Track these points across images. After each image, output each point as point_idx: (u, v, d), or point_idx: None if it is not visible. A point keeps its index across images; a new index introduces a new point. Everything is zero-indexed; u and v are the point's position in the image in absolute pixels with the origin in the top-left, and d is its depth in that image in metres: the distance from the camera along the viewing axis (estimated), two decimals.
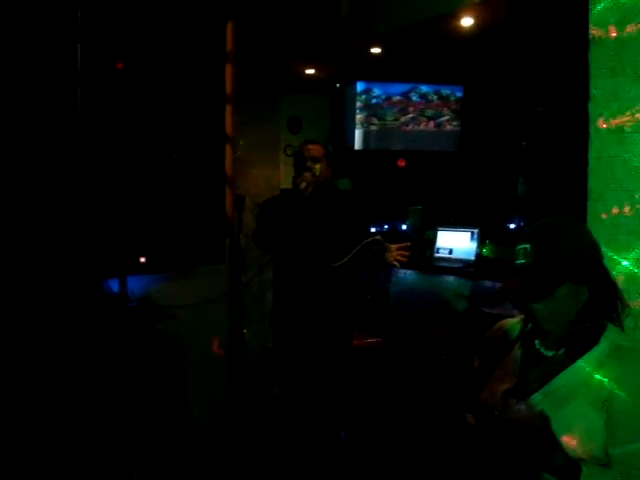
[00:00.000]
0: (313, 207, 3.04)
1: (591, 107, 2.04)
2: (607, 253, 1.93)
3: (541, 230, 1.49)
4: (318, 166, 3.06)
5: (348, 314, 3.14)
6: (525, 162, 4.43)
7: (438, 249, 4.22)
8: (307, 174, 3.02)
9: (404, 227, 4.58)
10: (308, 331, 3.04)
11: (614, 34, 1.93)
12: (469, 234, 4.07)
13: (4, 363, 2.69)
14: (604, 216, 2.05)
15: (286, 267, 3.10)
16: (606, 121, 1.99)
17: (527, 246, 1.46)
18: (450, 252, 4.14)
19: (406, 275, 4.36)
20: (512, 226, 4.51)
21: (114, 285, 2.84)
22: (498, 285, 3.36)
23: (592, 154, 2.06)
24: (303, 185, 2.99)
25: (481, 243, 4.01)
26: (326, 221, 3.08)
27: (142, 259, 2.69)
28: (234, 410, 3.63)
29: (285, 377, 3.15)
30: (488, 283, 3.68)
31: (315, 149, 3.12)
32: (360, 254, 2.96)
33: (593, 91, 2.03)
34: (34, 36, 2.67)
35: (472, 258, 3.97)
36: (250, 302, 3.89)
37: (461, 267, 3.96)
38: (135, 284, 2.92)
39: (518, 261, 1.47)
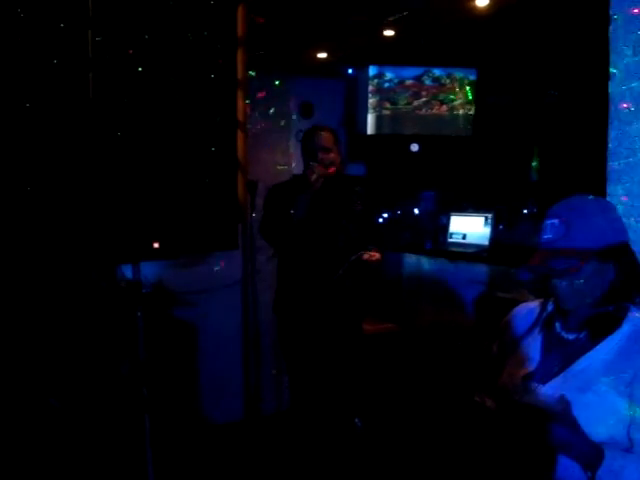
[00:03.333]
0: (322, 201, 2.96)
1: (611, 87, 2.00)
2: None
3: (570, 206, 1.46)
4: (331, 156, 2.97)
5: (355, 302, 3.09)
6: (541, 145, 4.38)
7: (451, 234, 4.18)
8: (319, 166, 2.92)
9: (417, 212, 4.55)
10: (312, 319, 2.99)
11: (635, 11, 1.89)
12: (483, 219, 4.03)
13: (18, 350, 2.70)
14: (624, 198, 2.02)
15: (291, 257, 3.06)
16: (627, 101, 1.95)
17: (555, 221, 1.43)
18: (464, 237, 4.11)
19: (419, 261, 4.34)
20: (526, 212, 4.46)
21: (127, 271, 2.84)
22: (513, 270, 3.34)
23: (612, 135, 2.02)
24: (314, 178, 2.89)
25: (495, 228, 3.98)
26: (334, 215, 2.99)
27: (155, 244, 2.67)
28: (247, 396, 3.63)
29: (292, 365, 3.12)
30: (502, 268, 3.65)
31: (326, 137, 3.00)
32: (350, 269, 2.89)
33: (613, 70, 1.99)
34: (45, 23, 2.66)
35: (486, 243, 3.93)
36: (263, 288, 3.89)
37: (475, 252, 3.92)
38: (149, 270, 2.91)
39: (546, 236, 1.45)
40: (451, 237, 4.18)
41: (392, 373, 3.76)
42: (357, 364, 3.11)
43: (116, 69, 2.92)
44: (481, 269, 3.80)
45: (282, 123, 4.27)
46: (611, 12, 1.95)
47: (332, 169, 2.99)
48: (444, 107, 4.35)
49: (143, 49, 3.00)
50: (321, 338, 3.00)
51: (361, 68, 4.32)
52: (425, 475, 2.98)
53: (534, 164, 4.49)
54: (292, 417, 3.24)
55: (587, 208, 1.45)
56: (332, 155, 2.99)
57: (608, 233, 1.42)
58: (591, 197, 1.49)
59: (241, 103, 3.71)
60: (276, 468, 3.19)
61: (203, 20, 3.33)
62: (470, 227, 4.09)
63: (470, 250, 3.97)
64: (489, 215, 4.00)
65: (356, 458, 3.08)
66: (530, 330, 1.60)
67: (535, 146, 4.47)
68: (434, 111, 4.34)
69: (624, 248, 1.45)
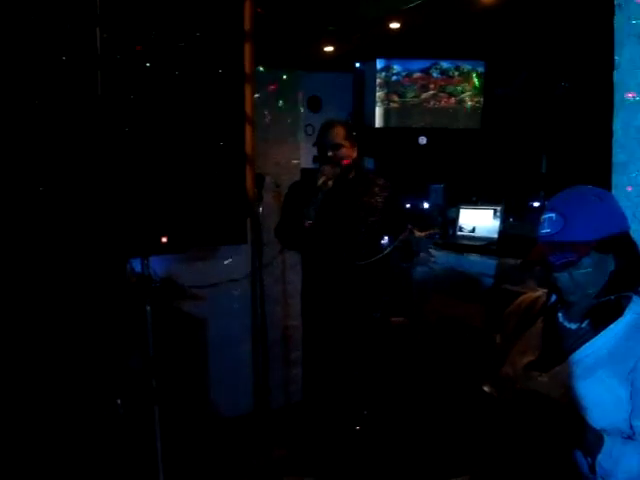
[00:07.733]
0: (337, 198, 2.89)
1: (616, 76, 1.99)
2: (632, 226, 1.89)
3: (567, 199, 1.46)
4: (342, 151, 2.89)
5: (379, 298, 3.10)
6: (549, 137, 4.35)
7: (461, 227, 4.18)
8: (327, 167, 2.85)
9: (426, 205, 4.54)
10: (338, 317, 3.00)
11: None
12: (492, 212, 4.02)
13: (30, 343, 2.73)
14: (629, 189, 2.01)
15: (313, 257, 3.03)
16: (632, 90, 1.94)
17: (553, 215, 1.43)
18: (473, 230, 4.10)
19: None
20: (536, 204, 4.45)
21: (137, 265, 2.86)
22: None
23: (617, 125, 2.01)
24: (321, 182, 2.81)
25: (504, 221, 3.97)
26: (350, 214, 2.92)
27: (164, 239, 2.70)
28: (256, 390, 3.65)
29: (317, 360, 3.13)
30: (511, 261, 3.64)
31: (335, 133, 2.90)
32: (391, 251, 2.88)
33: (618, 59, 1.97)
34: (53, 21, 2.69)
35: (495, 236, 3.92)
36: (271, 282, 3.91)
37: (484, 245, 3.92)
38: (157, 264, 2.94)
39: (544, 230, 1.45)
40: (460, 230, 4.17)
41: (402, 366, 3.76)
42: (380, 357, 3.12)
43: (124, 65, 2.94)
44: (490, 262, 3.79)
45: (290, 117, 4.28)
46: (615, 1, 1.94)
47: (346, 161, 2.91)
48: (452, 99, 4.34)
49: (151, 45, 3.02)
50: (348, 333, 3.01)
51: (369, 61, 4.32)
52: (432, 463, 2.99)
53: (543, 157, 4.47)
54: (306, 409, 3.26)
55: (584, 200, 1.44)
56: (343, 151, 2.90)
57: (606, 224, 1.41)
58: (588, 188, 1.48)
59: (249, 97, 3.73)
60: (286, 461, 3.22)
61: (210, 15, 3.34)
62: (479, 220, 4.09)
63: (479, 243, 3.96)
64: (498, 208, 3.99)
65: (364, 449, 3.10)
66: (533, 320, 1.61)
67: (544, 138, 4.45)
68: (442, 104, 4.33)
69: (624, 238, 1.44)
